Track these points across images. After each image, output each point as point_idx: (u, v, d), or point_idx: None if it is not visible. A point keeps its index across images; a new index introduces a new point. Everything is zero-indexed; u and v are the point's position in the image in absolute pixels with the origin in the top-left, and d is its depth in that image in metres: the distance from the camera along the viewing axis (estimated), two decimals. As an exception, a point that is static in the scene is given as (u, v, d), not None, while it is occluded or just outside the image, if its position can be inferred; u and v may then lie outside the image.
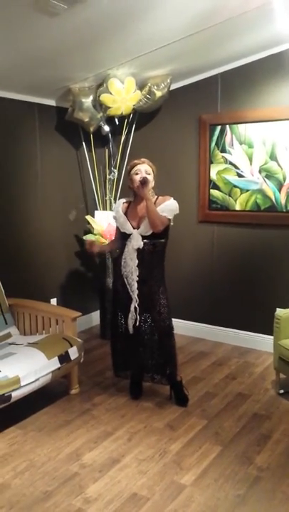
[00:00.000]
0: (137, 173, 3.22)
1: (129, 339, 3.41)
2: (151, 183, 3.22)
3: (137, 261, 3.23)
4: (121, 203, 3.39)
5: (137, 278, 3.24)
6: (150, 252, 3.25)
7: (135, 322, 3.30)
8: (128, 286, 3.28)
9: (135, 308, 3.28)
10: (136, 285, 3.26)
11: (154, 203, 3.19)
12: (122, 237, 3.34)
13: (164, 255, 3.34)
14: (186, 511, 2.37)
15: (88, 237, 4.36)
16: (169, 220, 3.23)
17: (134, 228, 3.26)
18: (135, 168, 3.24)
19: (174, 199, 3.28)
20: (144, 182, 3.12)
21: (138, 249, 3.23)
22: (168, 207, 3.21)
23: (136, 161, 3.28)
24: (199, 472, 2.67)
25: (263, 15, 3.27)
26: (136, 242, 3.23)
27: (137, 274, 3.24)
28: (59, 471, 2.70)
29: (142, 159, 3.28)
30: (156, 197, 3.27)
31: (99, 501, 2.44)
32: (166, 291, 3.36)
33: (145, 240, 3.22)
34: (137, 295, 3.27)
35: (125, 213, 3.33)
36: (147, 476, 2.64)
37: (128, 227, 3.28)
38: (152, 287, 3.30)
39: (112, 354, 3.56)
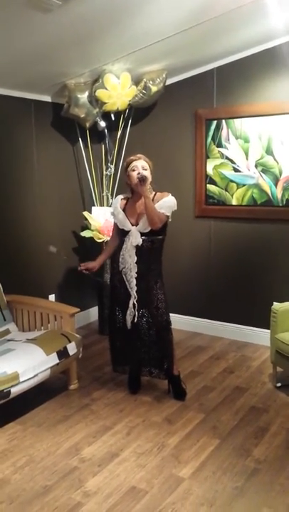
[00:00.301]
0: (133, 170, 3.20)
1: (127, 334, 3.43)
2: (149, 179, 3.21)
3: (135, 258, 3.24)
4: (119, 200, 3.39)
5: (136, 274, 3.26)
6: (148, 248, 3.25)
7: (133, 318, 3.32)
8: (127, 282, 3.29)
9: (134, 304, 3.30)
10: (135, 281, 3.27)
11: (152, 200, 3.19)
12: (121, 234, 3.34)
13: (162, 251, 3.35)
14: (185, 504, 2.39)
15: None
16: (167, 216, 3.23)
17: (132, 225, 3.27)
18: (132, 165, 3.23)
19: (172, 195, 3.29)
20: (142, 179, 3.11)
21: (137, 246, 3.23)
22: (166, 204, 3.21)
23: (132, 158, 3.27)
24: (197, 465, 2.70)
25: (257, 9, 3.27)
26: (135, 239, 3.23)
27: (136, 270, 3.25)
28: (58, 465, 2.73)
29: (138, 155, 3.27)
30: (154, 193, 3.27)
31: (98, 495, 2.47)
32: (163, 286, 3.37)
33: (143, 237, 3.23)
34: (136, 291, 3.28)
35: (123, 210, 3.33)
36: (146, 470, 2.67)
37: (127, 224, 3.28)
38: (150, 283, 3.31)
39: (111, 349, 3.58)
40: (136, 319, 3.32)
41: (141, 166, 3.20)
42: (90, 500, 2.43)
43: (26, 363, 3.09)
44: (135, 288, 3.28)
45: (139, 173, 3.16)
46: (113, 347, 3.56)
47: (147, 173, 3.19)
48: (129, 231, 3.27)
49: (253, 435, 2.99)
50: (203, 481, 2.57)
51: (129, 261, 3.26)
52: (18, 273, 4.28)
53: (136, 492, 2.49)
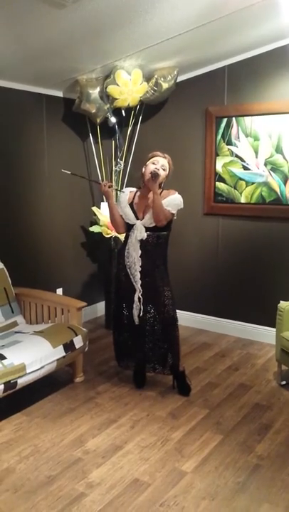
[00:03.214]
0: (153, 163, 3.24)
1: (132, 330, 3.46)
2: (162, 178, 3.23)
3: (140, 251, 3.26)
4: (128, 192, 3.40)
5: (140, 268, 3.28)
6: (154, 244, 3.28)
7: (139, 312, 3.34)
8: (131, 276, 3.32)
9: (139, 298, 3.32)
10: (139, 275, 3.29)
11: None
12: (126, 227, 3.37)
13: (167, 247, 3.37)
14: (187, 497, 2.42)
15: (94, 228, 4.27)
16: (173, 214, 3.26)
17: (137, 219, 3.29)
18: (154, 158, 3.26)
19: (180, 192, 3.30)
20: (154, 175, 3.14)
21: (141, 240, 3.26)
22: (173, 201, 3.23)
23: (159, 153, 3.29)
24: (200, 460, 2.72)
25: (269, 7, 3.27)
26: (139, 233, 3.25)
27: (140, 264, 3.28)
28: (63, 456, 2.77)
29: (166, 155, 3.30)
30: (160, 190, 3.29)
31: (101, 486, 2.50)
32: (169, 282, 3.39)
33: (149, 232, 3.25)
34: (141, 285, 3.30)
35: (131, 203, 3.35)
36: (149, 463, 2.70)
37: (132, 218, 3.30)
38: (156, 279, 3.33)
39: (115, 345, 3.61)
40: (141, 313, 3.35)
41: (161, 164, 3.23)
42: (93, 491, 2.47)
43: (33, 355, 3.13)
44: (140, 282, 3.30)
45: (155, 169, 3.19)
46: (117, 342, 3.58)
47: (163, 173, 3.22)
48: (133, 225, 3.29)
49: (256, 432, 3.01)
50: (206, 475, 2.59)
51: (134, 255, 3.28)
52: (27, 266, 4.33)
53: (139, 484, 2.52)
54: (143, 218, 3.27)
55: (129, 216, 3.31)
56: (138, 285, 3.31)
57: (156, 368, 3.54)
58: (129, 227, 3.33)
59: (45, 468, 2.66)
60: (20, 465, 2.69)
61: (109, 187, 3.32)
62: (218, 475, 2.59)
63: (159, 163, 3.23)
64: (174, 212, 3.25)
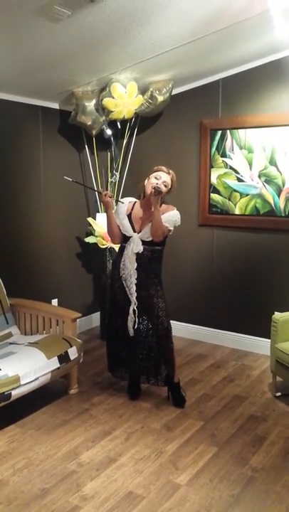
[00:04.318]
0: (156, 178, 3.24)
1: (126, 341, 3.45)
2: (163, 194, 3.22)
3: (136, 264, 3.27)
4: (127, 203, 3.40)
5: (136, 281, 3.28)
6: (148, 257, 3.28)
7: (134, 324, 3.34)
8: (127, 288, 3.31)
9: (134, 310, 3.32)
10: (134, 288, 3.30)
11: None
12: (122, 239, 3.37)
13: (162, 260, 3.38)
14: (181, 510, 2.41)
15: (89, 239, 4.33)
16: (170, 230, 3.27)
17: (134, 231, 3.30)
18: (158, 173, 3.26)
19: (175, 203, 3.32)
20: (157, 192, 3.13)
21: (137, 253, 3.26)
22: (171, 218, 3.24)
23: (163, 168, 3.28)
24: (194, 472, 2.71)
25: (262, 22, 3.32)
26: (136, 246, 3.25)
27: (136, 277, 3.28)
28: (57, 469, 2.75)
29: (171, 171, 3.30)
30: (160, 203, 3.29)
31: (95, 499, 2.49)
32: (164, 294, 3.39)
33: (144, 246, 3.25)
34: (136, 297, 3.31)
35: (129, 214, 3.35)
36: (143, 475, 2.68)
37: (129, 230, 3.31)
38: (150, 291, 3.34)
39: (108, 355, 3.60)
40: (136, 325, 3.35)
41: (163, 181, 3.23)
42: (87, 504, 2.45)
43: (27, 366, 3.12)
44: (135, 294, 3.30)
45: (157, 184, 3.19)
46: (111, 353, 3.58)
47: (164, 189, 3.22)
48: (130, 237, 3.30)
49: (250, 444, 3.00)
50: (200, 488, 2.58)
51: (130, 267, 3.28)
52: (22, 277, 4.32)
53: (133, 497, 2.50)
54: (140, 231, 3.28)
55: (127, 228, 3.31)
56: (133, 297, 3.31)
57: (151, 379, 3.53)
58: (125, 239, 3.34)
59: (38, 480, 2.64)
60: (14, 477, 2.67)
61: (109, 197, 3.33)
62: (212, 488, 2.58)
63: (162, 179, 3.23)
64: (172, 228, 3.26)
